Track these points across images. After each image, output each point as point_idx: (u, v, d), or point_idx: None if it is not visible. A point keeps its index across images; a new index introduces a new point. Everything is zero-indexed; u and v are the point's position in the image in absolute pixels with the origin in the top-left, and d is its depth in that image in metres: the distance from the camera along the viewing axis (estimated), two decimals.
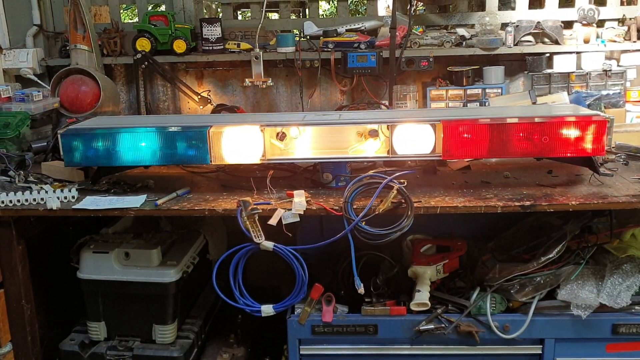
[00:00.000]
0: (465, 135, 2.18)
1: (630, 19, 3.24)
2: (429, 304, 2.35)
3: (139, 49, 3.29)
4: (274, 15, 4.85)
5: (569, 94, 3.03)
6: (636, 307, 2.34)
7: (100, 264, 2.41)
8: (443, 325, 2.36)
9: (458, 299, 2.42)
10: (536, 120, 2.15)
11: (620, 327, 2.32)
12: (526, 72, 3.27)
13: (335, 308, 2.41)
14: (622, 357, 2.38)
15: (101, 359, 2.47)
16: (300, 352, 2.46)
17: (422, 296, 2.36)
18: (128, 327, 2.50)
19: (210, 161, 2.26)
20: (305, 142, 2.32)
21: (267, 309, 2.20)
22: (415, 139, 2.23)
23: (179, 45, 3.31)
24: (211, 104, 3.32)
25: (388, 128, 2.22)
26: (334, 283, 2.59)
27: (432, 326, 2.36)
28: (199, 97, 3.32)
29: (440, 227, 2.64)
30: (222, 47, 3.38)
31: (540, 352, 2.39)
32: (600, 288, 2.31)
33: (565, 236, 2.38)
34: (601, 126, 2.13)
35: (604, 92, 3.04)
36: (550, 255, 2.34)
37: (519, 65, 3.34)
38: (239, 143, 2.26)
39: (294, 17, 4.41)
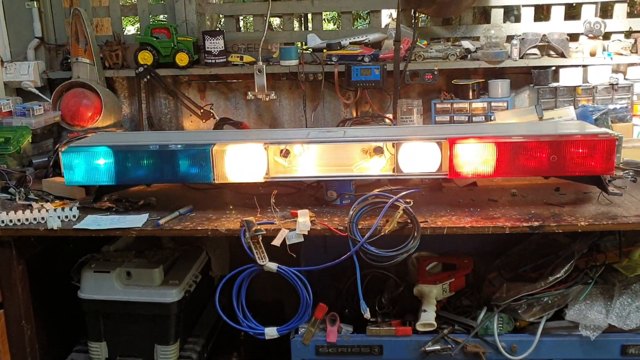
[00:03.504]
0: (472, 153, 2.15)
1: (637, 31, 3.21)
2: (435, 325, 2.31)
3: (141, 62, 3.26)
4: (277, 20, 4.76)
5: (575, 108, 2.99)
6: None
7: (101, 284, 2.38)
8: (450, 346, 2.33)
9: (465, 319, 2.39)
10: (544, 139, 2.12)
11: (630, 348, 2.28)
12: (532, 85, 3.24)
13: (339, 328, 2.37)
14: None
15: None
16: None
17: (428, 316, 2.33)
18: (129, 347, 2.47)
19: (214, 180, 2.23)
20: (310, 159, 2.29)
21: (271, 332, 2.17)
22: (421, 157, 2.20)
23: (182, 58, 3.28)
24: (214, 118, 3.29)
25: (393, 146, 2.19)
26: (339, 301, 2.56)
27: (439, 347, 2.32)
28: (202, 111, 3.29)
29: (446, 244, 2.60)
30: (225, 59, 3.35)
31: None
32: (609, 308, 2.28)
33: (573, 255, 2.35)
34: (610, 145, 2.09)
35: (611, 107, 3.00)
36: (558, 275, 2.31)
37: (524, 78, 3.30)
38: (243, 161, 2.23)
39: (296, 29, 4.37)
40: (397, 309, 2.51)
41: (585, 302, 2.30)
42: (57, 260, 2.57)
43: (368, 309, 2.17)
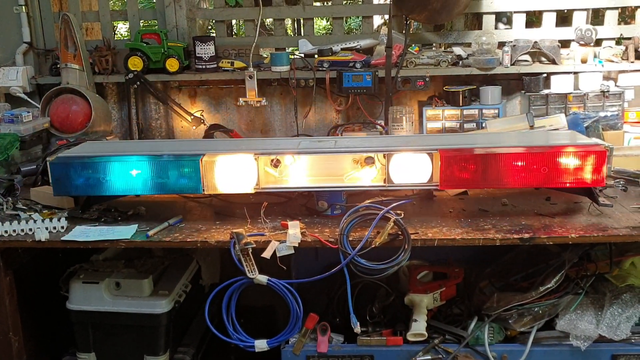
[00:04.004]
0: (463, 165, 2.14)
1: (628, 38, 3.21)
2: (426, 334, 2.31)
3: (131, 68, 3.24)
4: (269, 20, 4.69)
5: (566, 115, 2.99)
6: (635, 338, 2.31)
7: (90, 295, 2.36)
8: (440, 356, 2.33)
9: (455, 329, 2.38)
10: (535, 151, 2.12)
11: (620, 358, 2.29)
12: (523, 91, 3.24)
13: (330, 338, 2.36)
14: None
15: None
16: None
17: (419, 326, 2.32)
18: (119, 358, 2.45)
19: (203, 190, 2.22)
20: (300, 169, 2.28)
21: (261, 345, 2.16)
22: (412, 167, 2.19)
23: (172, 64, 3.26)
24: (204, 124, 3.27)
25: (384, 156, 2.18)
26: (330, 309, 2.55)
27: (429, 357, 2.32)
28: (192, 117, 3.27)
29: (437, 252, 2.60)
30: (215, 65, 3.33)
31: None
32: (600, 318, 2.28)
33: (564, 264, 2.35)
34: (601, 157, 2.09)
35: (602, 114, 3.00)
36: (549, 285, 2.31)
37: (516, 84, 3.31)
38: (233, 172, 2.22)
39: (290, 33, 4.35)
40: (388, 317, 2.50)
41: (576, 312, 2.30)
42: (45, 270, 2.55)
43: (358, 323, 2.17)
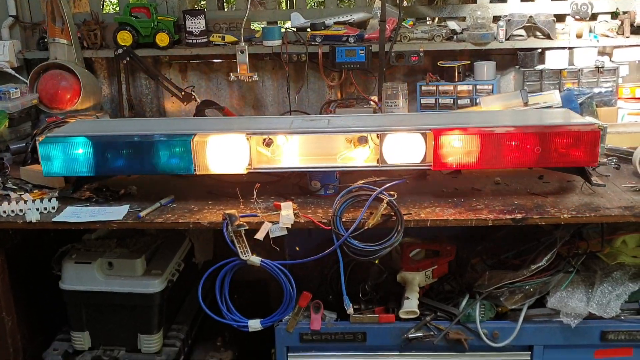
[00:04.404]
0: (456, 145, 2.13)
1: (624, 12, 3.17)
2: (418, 312, 2.33)
3: (121, 43, 3.18)
4: None
5: (560, 91, 2.97)
6: (625, 314, 2.34)
7: (82, 275, 2.36)
8: (432, 332, 2.35)
9: (447, 307, 2.40)
10: (529, 130, 2.11)
11: (609, 334, 2.32)
12: (517, 67, 3.21)
13: (323, 315, 2.38)
14: None
15: None
16: None
17: (411, 304, 2.34)
18: (113, 336, 2.46)
19: (195, 171, 2.20)
20: (293, 149, 2.26)
21: (254, 324, 2.17)
22: (406, 148, 2.18)
23: (162, 39, 3.20)
24: (195, 101, 3.23)
25: (378, 137, 2.17)
26: (322, 286, 2.56)
27: (421, 334, 2.35)
28: (183, 93, 3.23)
29: (429, 229, 2.58)
30: (206, 40, 3.27)
31: (529, 358, 2.39)
32: (590, 296, 2.30)
33: (555, 243, 2.36)
34: (594, 137, 2.09)
35: (596, 90, 2.98)
36: (540, 264, 2.32)
37: (510, 59, 3.27)
38: (225, 152, 2.20)
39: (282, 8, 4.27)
40: (381, 295, 2.51)
41: (567, 289, 2.32)
42: (37, 249, 2.54)
43: (351, 304, 2.19)
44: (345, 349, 2.41)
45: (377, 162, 2.18)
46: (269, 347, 2.53)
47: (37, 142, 2.24)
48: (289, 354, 2.42)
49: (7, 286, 2.33)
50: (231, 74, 3.24)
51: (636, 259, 2.37)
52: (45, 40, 3.27)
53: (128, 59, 3.20)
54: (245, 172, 2.19)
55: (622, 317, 2.32)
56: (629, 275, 2.33)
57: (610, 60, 3.13)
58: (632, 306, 2.35)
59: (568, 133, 2.10)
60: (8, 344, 2.34)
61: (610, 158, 2.56)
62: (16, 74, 3.31)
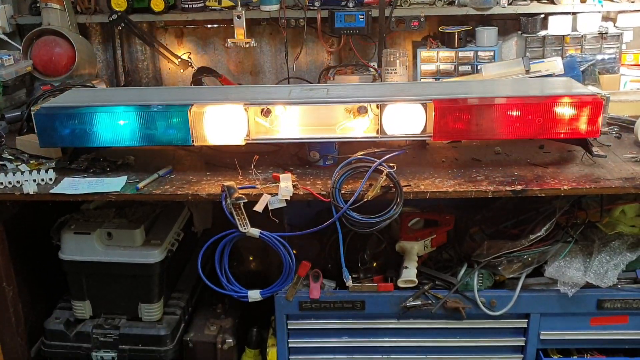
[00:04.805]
0: (457, 115, 2.10)
1: None
2: (416, 281, 2.35)
3: (115, 8, 3.11)
4: None
5: (562, 58, 2.93)
6: (622, 283, 2.35)
7: (82, 245, 2.36)
8: (430, 301, 2.37)
9: (445, 276, 2.42)
10: (530, 101, 2.08)
11: (605, 303, 2.34)
12: (519, 32, 3.15)
13: (322, 284, 2.39)
14: (605, 330, 2.41)
15: (87, 338, 2.46)
16: (288, 327, 2.47)
17: (409, 273, 2.35)
18: (113, 305, 2.47)
19: (193, 142, 2.17)
20: (291, 119, 2.23)
21: (254, 295, 2.19)
22: (406, 118, 2.15)
23: (157, 3, 3.13)
24: (192, 67, 3.18)
25: (378, 107, 2.14)
26: (321, 255, 2.57)
27: (419, 302, 2.37)
28: (179, 60, 3.17)
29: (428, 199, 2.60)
30: (202, 4, 3.20)
31: (526, 325, 2.42)
32: (588, 266, 2.31)
33: (554, 212, 2.36)
34: (597, 107, 2.06)
35: (599, 57, 2.94)
36: (539, 234, 2.32)
37: (512, 25, 3.22)
38: (222, 123, 2.17)
39: None
40: (379, 264, 2.53)
41: (565, 259, 2.33)
42: (36, 219, 2.53)
43: (350, 277, 2.21)
44: (344, 317, 2.44)
45: (377, 132, 2.16)
46: (269, 314, 2.56)
47: (32, 114, 2.20)
48: (288, 322, 2.45)
49: (7, 256, 2.33)
50: (228, 40, 3.18)
51: (634, 228, 2.37)
52: (38, 5, 3.20)
53: (123, 24, 3.13)
54: (243, 143, 2.17)
55: (619, 286, 2.34)
56: (627, 245, 2.34)
57: (615, 25, 3.08)
58: (629, 275, 2.37)
59: (570, 104, 2.07)
60: (10, 314, 2.36)
61: (612, 127, 2.53)
62: (9, 40, 3.24)
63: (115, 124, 2.16)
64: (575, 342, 2.45)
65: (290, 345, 2.50)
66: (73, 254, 2.37)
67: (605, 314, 2.37)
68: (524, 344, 2.46)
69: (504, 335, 2.45)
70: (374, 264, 2.52)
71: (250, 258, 2.76)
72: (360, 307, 2.40)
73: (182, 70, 3.23)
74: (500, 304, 2.36)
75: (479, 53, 3.06)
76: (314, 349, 2.51)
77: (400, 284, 2.35)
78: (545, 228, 2.33)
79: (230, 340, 2.57)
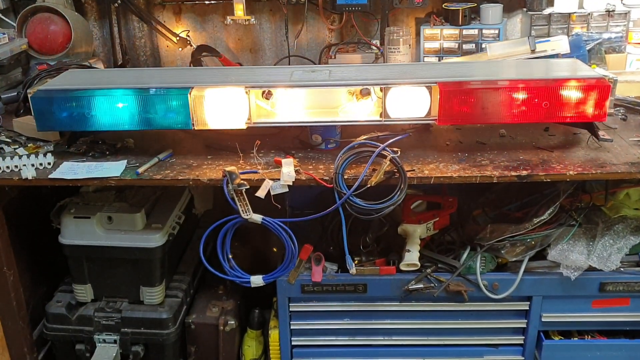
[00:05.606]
0: (462, 98, 2.07)
1: None
2: (419, 265, 2.34)
3: None
4: None
5: (568, 36, 2.87)
6: (624, 266, 2.35)
7: (82, 229, 2.34)
8: (432, 284, 2.37)
9: (448, 259, 2.42)
10: (537, 85, 2.04)
11: (608, 286, 2.35)
12: (525, 9, 3.09)
13: (324, 267, 2.39)
14: (607, 312, 2.42)
15: (89, 321, 2.46)
16: (290, 309, 2.48)
17: (412, 256, 2.35)
18: (115, 288, 2.47)
19: (193, 126, 2.13)
20: (293, 102, 2.18)
21: (257, 280, 2.18)
22: (410, 101, 2.11)
23: None
24: (190, 45, 3.12)
25: (381, 90, 2.10)
26: (324, 238, 2.56)
27: (422, 285, 2.37)
28: (178, 38, 3.11)
29: None
30: None
31: (528, 308, 2.43)
32: (591, 249, 2.31)
33: (558, 195, 2.35)
34: (604, 91, 2.02)
35: (605, 36, 2.88)
36: (543, 217, 2.31)
37: (517, 1, 3.14)
38: (223, 106, 2.12)
39: None
40: (382, 247, 2.52)
41: (568, 242, 2.32)
42: (35, 202, 2.51)
43: (354, 264, 2.21)
44: (346, 300, 2.44)
45: (380, 115, 2.12)
46: (271, 295, 2.56)
47: (29, 97, 2.16)
48: (290, 304, 2.46)
49: (7, 240, 2.31)
50: (227, 17, 3.11)
51: (638, 211, 2.36)
52: None
53: (119, 1, 3.06)
54: (245, 127, 2.13)
55: (622, 269, 2.33)
56: (630, 228, 2.33)
57: (622, 2, 3.01)
58: (632, 258, 2.37)
59: (578, 87, 2.03)
60: (11, 297, 2.35)
61: (618, 108, 2.50)
62: (3, 17, 3.17)
63: (114, 108, 2.12)
64: (577, 324, 2.46)
65: (292, 327, 2.51)
66: (73, 238, 2.36)
67: (607, 297, 2.37)
68: (525, 326, 2.47)
69: (506, 318, 2.47)
70: (376, 247, 2.52)
71: (252, 238, 2.74)
72: (363, 290, 2.40)
73: (180, 49, 3.17)
74: (503, 286, 2.37)
75: (484, 31, 2.99)
76: (316, 331, 2.52)
77: (403, 268, 2.34)
78: (549, 211, 2.31)
79: (233, 322, 2.57)
